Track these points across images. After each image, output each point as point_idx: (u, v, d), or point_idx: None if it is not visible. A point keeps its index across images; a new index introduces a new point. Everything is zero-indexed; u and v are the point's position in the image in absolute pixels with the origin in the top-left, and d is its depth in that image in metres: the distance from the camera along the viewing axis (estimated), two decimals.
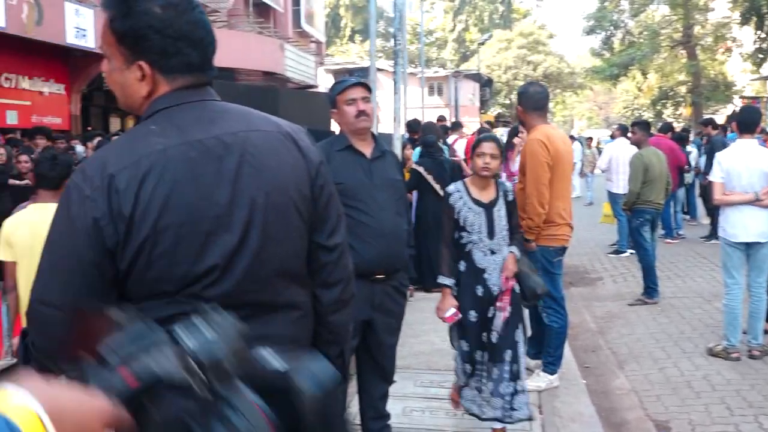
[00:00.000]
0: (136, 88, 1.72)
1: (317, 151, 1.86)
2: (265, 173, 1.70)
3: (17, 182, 8.68)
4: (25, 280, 4.01)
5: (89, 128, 16.21)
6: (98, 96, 17.50)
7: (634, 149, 8.92)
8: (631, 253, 10.80)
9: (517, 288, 4.19)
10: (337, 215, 1.86)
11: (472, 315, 4.11)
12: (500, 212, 4.15)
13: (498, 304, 4.08)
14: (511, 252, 4.17)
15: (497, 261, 4.13)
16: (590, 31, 37.81)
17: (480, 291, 4.11)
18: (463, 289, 4.15)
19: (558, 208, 5.03)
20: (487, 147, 4.14)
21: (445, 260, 4.19)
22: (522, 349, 4.18)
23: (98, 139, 10.34)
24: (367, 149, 3.72)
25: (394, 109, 7.59)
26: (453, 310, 4.09)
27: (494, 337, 4.08)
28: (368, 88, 3.76)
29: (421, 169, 8.04)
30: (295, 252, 1.77)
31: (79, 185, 1.62)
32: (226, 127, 1.71)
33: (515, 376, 4.08)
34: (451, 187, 4.27)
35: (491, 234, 4.11)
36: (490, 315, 4.09)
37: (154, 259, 1.61)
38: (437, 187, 7.71)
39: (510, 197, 4.23)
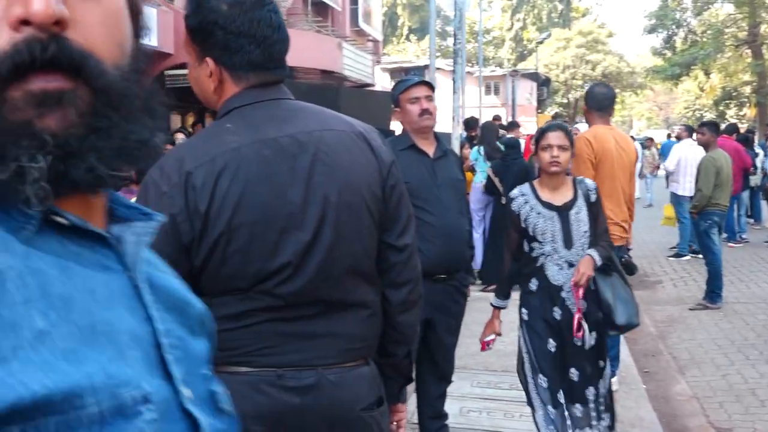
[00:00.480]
0: (207, 84, 1.76)
1: (389, 151, 1.86)
2: (338, 172, 1.72)
3: None
4: None
5: None
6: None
7: (701, 150, 8.74)
8: (692, 257, 10.58)
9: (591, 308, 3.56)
10: (407, 215, 1.86)
11: (551, 344, 3.50)
12: (579, 216, 3.51)
13: (576, 332, 3.44)
14: (587, 254, 3.47)
15: None
16: (651, 30, 37.16)
17: (558, 314, 3.50)
18: (535, 313, 3.54)
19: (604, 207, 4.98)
20: (554, 137, 3.51)
21: (503, 277, 3.70)
22: (607, 383, 3.63)
23: None
24: (429, 148, 3.72)
25: (453, 108, 7.57)
26: (492, 336, 3.70)
27: (575, 375, 3.50)
28: (431, 87, 3.76)
29: (489, 172, 8.03)
30: (366, 251, 1.78)
31: (156, 182, 1.66)
32: (301, 126, 1.73)
33: (602, 414, 3.58)
34: (514, 191, 3.65)
35: (568, 243, 3.47)
36: (578, 343, 3.46)
37: (228, 255, 1.64)
38: (502, 190, 7.68)
39: (593, 197, 3.58)
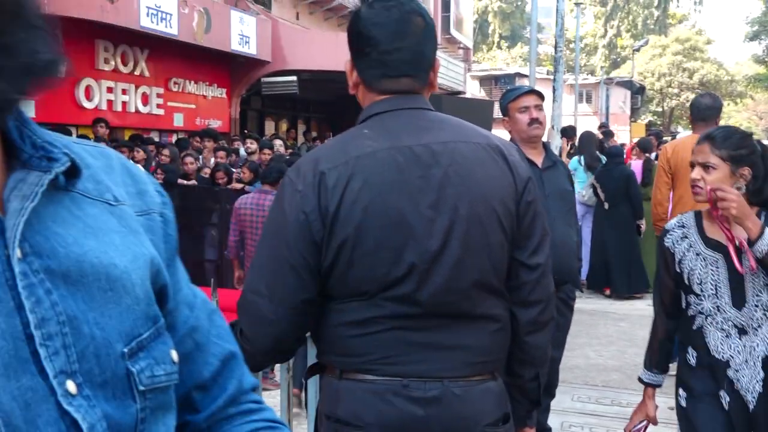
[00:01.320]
0: (355, 91, 1.81)
1: (527, 167, 1.83)
2: (471, 184, 1.70)
3: (185, 182, 9.18)
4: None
5: (246, 130, 16.95)
6: (255, 100, 18.24)
7: None
8: None
9: None
10: (541, 234, 1.81)
11: None
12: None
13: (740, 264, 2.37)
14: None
15: (750, 347, 2.42)
16: (754, 37, 35.87)
17: (725, 401, 2.45)
18: (696, 399, 2.53)
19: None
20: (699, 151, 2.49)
21: (653, 343, 2.68)
22: None
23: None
24: (538, 158, 3.67)
25: (552, 116, 7.45)
26: (643, 423, 2.67)
27: None
28: (541, 96, 3.70)
29: (593, 181, 7.94)
30: (494, 266, 1.74)
31: (293, 181, 1.70)
32: (436, 136, 1.72)
33: None
34: (672, 222, 2.63)
35: (738, 299, 2.42)
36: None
37: (356, 258, 1.64)
38: (603, 197, 7.57)
39: None
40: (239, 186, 8.69)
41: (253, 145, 10.56)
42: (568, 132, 10.76)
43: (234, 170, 9.20)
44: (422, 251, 1.66)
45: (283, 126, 20.20)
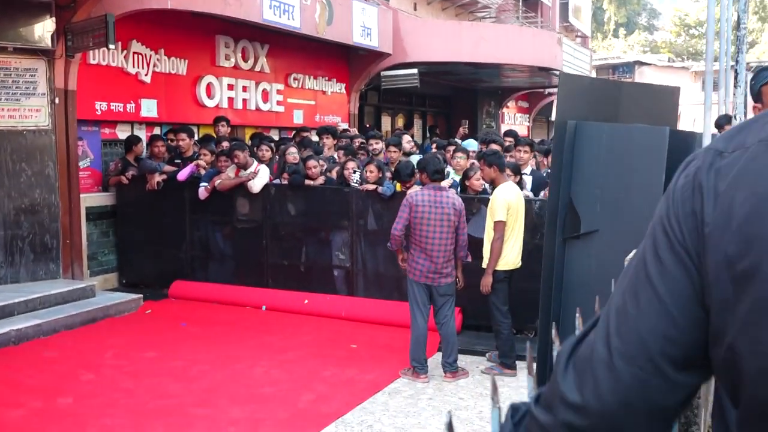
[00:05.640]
0: None
1: None
2: None
3: (312, 183, 8.64)
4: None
5: (367, 125, 16.43)
6: (372, 95, 17.70)
7: None
8: None
9: None
10: None
11: None
12: None
13: None
14: None
15: None
16: None
17: None
18: None
19: None
20: None
21: None
22: None
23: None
24: None
25: (734, 105, 6.47)
26: None
27: None
28: None
29: None
30: None
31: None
32: None
33: None
34: None
35: None
36: None
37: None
38: None
39: None
40: (371, 186, 8.09)
41: (378, 144, 9.90)
42: (720, 122, 9.65)
43: (357, 169, 8.58)
44: None
45: (400, 121, 19.60)
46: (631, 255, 1.17)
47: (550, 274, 4.89)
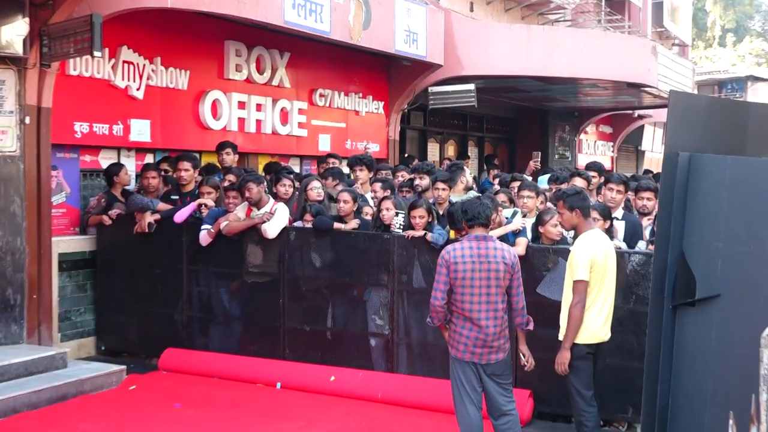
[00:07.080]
0: None
1: None
2: None
3: (343, 227, 8.56)
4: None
5: (406, 155, 16.39)
6: (416, 116, 17.72)
7: None
8: None
9: None
10: None
11: None
12: None
13: None
14: None
15: None
16: None
17: None
18: None
19: None
20: None
21: None
22: None
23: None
24: None
25: None
26: None
27: None
28: None
29: None
30: None
31: None
32: None
33: None
34: None
35: None
36: None
37: None
38: None
39: None
40: (419, 233, 7.97)
41: (424, 181, 9.73)
42: None
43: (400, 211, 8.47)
44: None
45: (450, 149, 19.59)
46: None
47: (655, 351, 4.78)
